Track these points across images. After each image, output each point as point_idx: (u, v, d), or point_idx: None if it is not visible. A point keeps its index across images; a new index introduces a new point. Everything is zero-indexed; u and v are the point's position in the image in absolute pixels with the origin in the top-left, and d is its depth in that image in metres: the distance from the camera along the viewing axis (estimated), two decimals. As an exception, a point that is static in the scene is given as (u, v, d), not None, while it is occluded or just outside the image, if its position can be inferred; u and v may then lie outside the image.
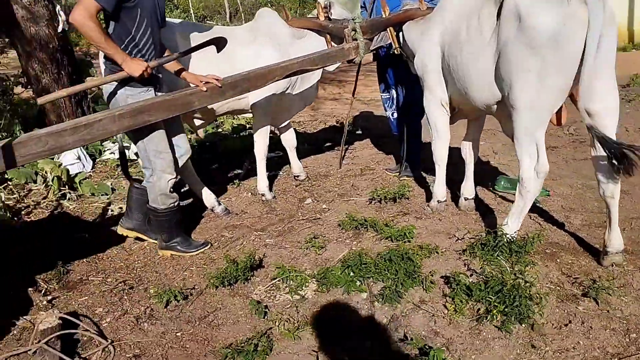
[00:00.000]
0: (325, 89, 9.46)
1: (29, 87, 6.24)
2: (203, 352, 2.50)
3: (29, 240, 3.73)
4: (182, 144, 3.50)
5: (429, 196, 4.11)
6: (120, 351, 2.52)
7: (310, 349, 2.47)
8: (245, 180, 4.91)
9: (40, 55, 5.71)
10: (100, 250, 3.56)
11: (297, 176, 4.84)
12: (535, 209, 3.63)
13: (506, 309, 2.51)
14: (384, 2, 3.94)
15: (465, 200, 3.90)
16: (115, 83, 3.04)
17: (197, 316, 2.79)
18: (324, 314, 2.73)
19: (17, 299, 2.98)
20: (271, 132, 4.50)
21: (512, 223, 3.14)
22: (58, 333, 2.50)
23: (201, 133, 5.70)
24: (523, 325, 2.49)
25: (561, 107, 2.94)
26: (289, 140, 4.75)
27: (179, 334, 2.65)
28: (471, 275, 2.93)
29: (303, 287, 2.94)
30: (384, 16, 3.96)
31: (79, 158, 5.23)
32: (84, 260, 3.44)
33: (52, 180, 4.64)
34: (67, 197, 4.57)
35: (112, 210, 4.32)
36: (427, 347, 2.34)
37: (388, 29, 3.99)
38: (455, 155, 4.12)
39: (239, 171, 5.15)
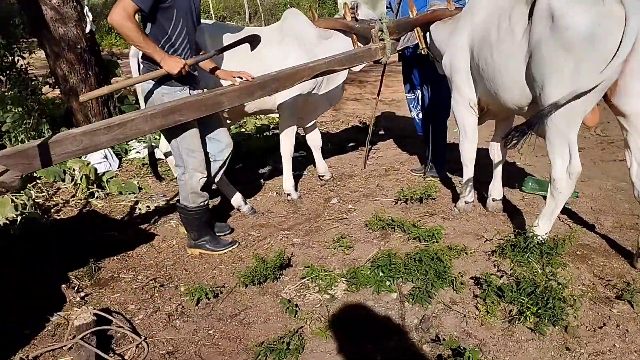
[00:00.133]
0: (346, 90, 9.39)
1: (57, 87, 6.32)
2: (236, 350, 2.52)
3: (60, 238, 3.78)
4: (223, 138, 3.48)
5: (455, 197, 4.10)
6: (154, 348, 2.55)
7: (342, 348, 2.47)
8: (269, 179, 4.93)
9: (68, 56, 5.79)
10: (129, 248, 3.60)
11: (322, 176, 4.85)
12: (564, 210, 3.59)
13: (539, 311, 2.49)
14: (411, 3, 3.94)
15: (493, 201, 3.87)
16: (153, 81, 3.08)
17: (228, 314, 2.81)
18: (354, 314, 2.73)
19: (51, 295, 3.03)
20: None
21: (544, 224, 3.11)
22: (93, 329, 2.54)
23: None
24: (557, 327, 2.47)
25: (594, 108, 2.91)
26: (314, 140, 4.75)
27: (211, 332, 2.67)
28: (502, 276, 2.92)
29: (332, 287, 2.95)
30: (411, 16, 3.96)
31: (105, 157, 5.29)
32: (114, 257, 3.48)
33: (81, 178, 4.69)
34: (95, 196, 4.63)
35: (139, 209, 4.37)
36: (461, 348, 2.34)
37: (415, 29, 3.99)
38: (481, 156, 4.09)
39: (263, 171, 5.18)
